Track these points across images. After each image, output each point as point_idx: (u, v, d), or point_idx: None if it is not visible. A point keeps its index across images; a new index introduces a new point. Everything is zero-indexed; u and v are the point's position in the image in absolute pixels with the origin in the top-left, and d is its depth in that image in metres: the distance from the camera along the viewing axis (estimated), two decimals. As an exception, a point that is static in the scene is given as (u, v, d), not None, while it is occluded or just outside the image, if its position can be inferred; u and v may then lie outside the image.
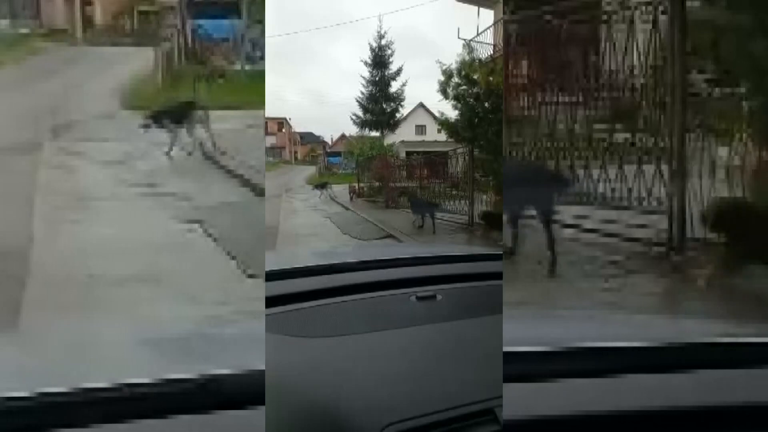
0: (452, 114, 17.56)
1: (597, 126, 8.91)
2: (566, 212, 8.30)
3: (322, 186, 30.72)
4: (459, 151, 18.02)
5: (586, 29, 9.20)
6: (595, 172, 8.67)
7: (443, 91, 16.73)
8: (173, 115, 12.17)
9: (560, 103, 9.42)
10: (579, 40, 9.26)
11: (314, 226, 18.70)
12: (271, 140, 68.58)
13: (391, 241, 14.20)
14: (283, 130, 73.23)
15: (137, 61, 20.74)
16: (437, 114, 21.47)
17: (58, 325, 3.69)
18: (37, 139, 11.88)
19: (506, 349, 1.44)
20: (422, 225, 16.12)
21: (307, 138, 76.40)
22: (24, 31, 30.77)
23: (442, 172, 21.28)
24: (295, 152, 76.07)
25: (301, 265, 2.52)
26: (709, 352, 1.54)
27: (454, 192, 18.49)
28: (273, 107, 74.22)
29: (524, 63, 10.34)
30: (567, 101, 9.35)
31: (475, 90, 15.46)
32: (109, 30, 32.45)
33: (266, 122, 64.61)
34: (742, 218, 6.26)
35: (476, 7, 18.64)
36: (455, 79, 16.18)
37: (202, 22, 21.66)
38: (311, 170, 56.44)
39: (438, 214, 16.53)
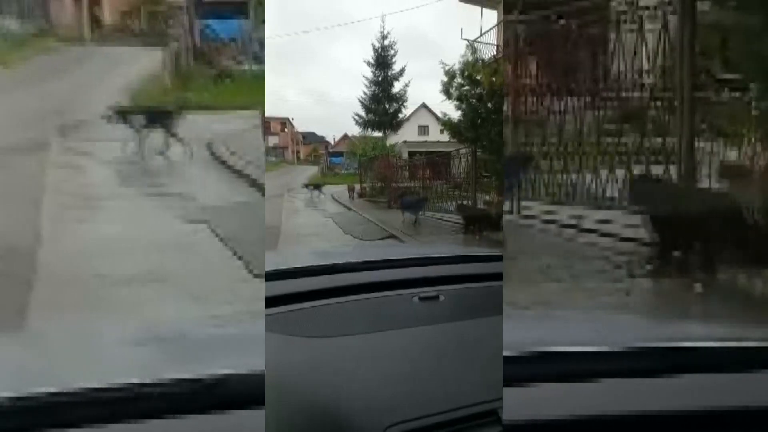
0: (455, 114, 17.59)
1: (605, 127, 8.89)
2: (569, 213, 8.32)
3: (314, 186, 30.61)
4: (462, 151, 18.06)
5: (594, 30, 9.19)
6: (603, 173, 8.65)
7: (446, 92, 16.73)
8: (141, 115, 12.10)
9: (569, 104, 9.41)
10: (587, 41, 9.25)
11: (316, 226, 18.72)
12: (273, 140, 69.51)
13: (393, 241, 14.16)
14: (286, 130, 73.83)
15: (145, 61, 20.76)
16: (440, 114, 21.47)
17: (64, 325, 3.69)
18: (45, 139, 11.89)
19: (507, 352, 1.43)
20: (418, 222, 16.83)
21: (310, 138, 76.82)
22: (32, 30, 30.89)
23: (444, 172, 21.26)
24: (298, 152, 76.46)
25: (303, 265, 2.51)
26: (713, 355, 1.53)
27: (456, 192, 18.48)
28: (276, 107, 74.70)
29: (531, 64, 10.34)
30: (576, 103, 9.34)
31: (478, 90, 15.43)
32: (117, 30, 32.55)
33: (269, 122, 65.66)
34: (660, 192, 6.91)
35: (479, 8, 18.59)
36: (458, 80, 16.16)
37: (209, 22, 21.70)
38: (314, 170, 56.69)
39: (438, 215, 16.89)
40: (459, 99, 16.35)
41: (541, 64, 10.28)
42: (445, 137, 19.67)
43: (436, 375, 1.64)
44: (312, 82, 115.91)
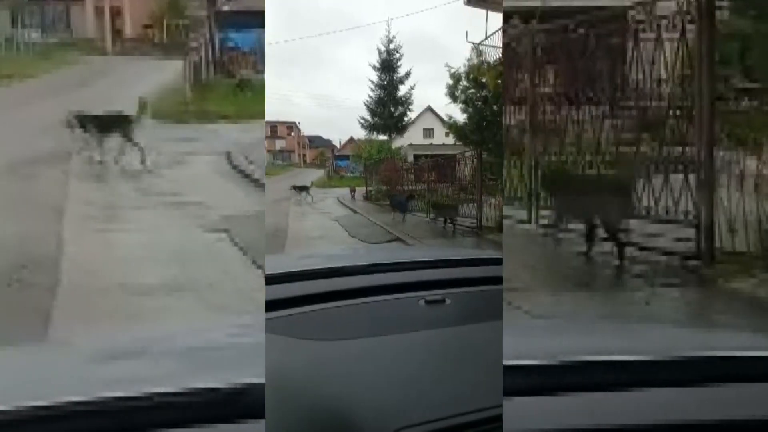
0: (460, 117, 17.59)
1: (624, 136, 8.84)
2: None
3: (301, 188, 30.32)
4: (467, 154, 17.90)
5: (612, 40, 9.15)
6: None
7: (452, 95, 16.77)
8: (101, 121, 12.24)
9: (587, 113, 9.38)
10: (605, 50, 9.22)
11: (322, 229, 18.87)
12: (280, 144, 71.32)
13: (398, 244, 14.21)
14: (293, 134, 74.52)
15: (166, 73, 20.96)
16: (445, 117, 21.50)
17: (87, 334, 3.73)
18: (67, 149, 12.03)
19: (508, 361, 1.42)
20: (405, 219, 18.81)
21: (316, 141, 77.39)
22: (55, 42, 31.27)
23: (450, 175, 20.91)
24: (304, 156, 76.98)
25: (309, 268, 2.49)
26: (723, 365, 1.50)
27: (462, 195, 18.45)
28: (282, 111, 75.45)
29: (549, 73, 10.33)
30: (594, 112, 9.30)
31: (483, 93, 15.42)
32: (138, 42, 32.86)
33: (276, 126, 66.73)
34: (567, 181, 8.67)
35: (485, 11, 18.49)
36: (464, 83, 16.17)
37: (229, 33, 21.87)
38: (320, 173, 57.02)
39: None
40: (464, 102, 16.37)
41: (559, 73, 10.27)
42: (451, 140, 19.70)
43: (443, 379, 1.64)
44: (318, 86, 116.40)
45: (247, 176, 11.83)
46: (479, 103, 15.75)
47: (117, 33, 34.05)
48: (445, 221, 16.66)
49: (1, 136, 12.67)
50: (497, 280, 2.36)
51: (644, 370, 1.46)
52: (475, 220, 15.68)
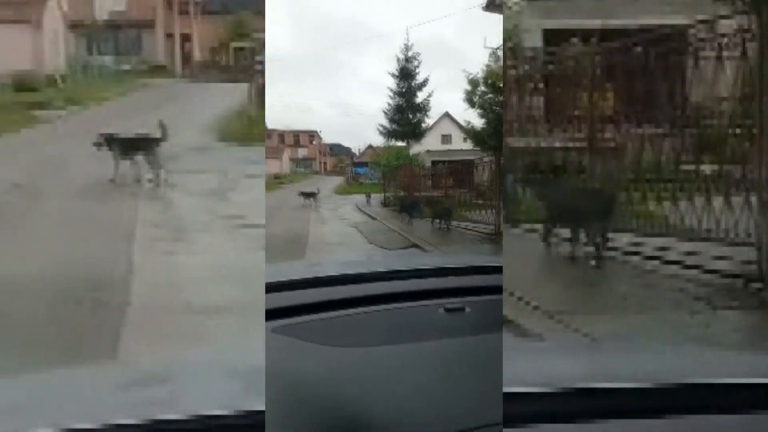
0: (478, 122, 17.45)
1: (683, 157, 8.75)
2: (650, 244, 8.21)
3: (308, 195, 29.18)
4: (485, 159, 17.76)
5: (672, 59, 9.08)
6: (682, 204, 8.51)
7: (469, 100, 16.74)
8: (126, 143, 12.52)
9: (646, 132, 9.31)
10: (664, 69, 9.15)
11: (341, 235, 19.04)
12: (302, 152, 74.24)
13: (415, 250, 14.23)
14: (314, 143, 76.23)
15: (232, 96, 21.47)
16: (463, 123, 21.38)
17: (154, 353, 3.90)
18: (137, 171, 12.45)
19: (509, 389, 1.37)
20: (410, 222, 20.42)
21: (336, 149, 79.05)
22: (127, 67, 32.40)
23: (467, 181, 20.82)
24: (325, 163, 78.44)
25: (326, 275, 2.52)
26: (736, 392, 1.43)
27: (479, 201, 18.31)
28: (303, 120, 77.84)
29: (608, 92, 10.29)
30: (654, 131, 9.23)
31: (501, 98, 15.32)
32: (206, 66, 33.79)
33: (299, 135, 69.05)
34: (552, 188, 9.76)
35: (502, 16, 18.41)
36: (481, 88, 16.08)
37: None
38: (339, 180, 57.62)
39: (463, 224, 17.67)
40: (482, 107, 16.26)
41: (619, 92, 10.23)
42: (469, 145, 19.49)
43: (462, 388, 1.63)
44: (339, 95, 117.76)
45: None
46: (497, 108, 15.68)
47: (186, 57, 35.11)
48: (440, 223, 17.99)
49: (74, 159, 13.24)
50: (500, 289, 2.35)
51: (653, 396, 1.40)
52: (493, 226, 15.61)
